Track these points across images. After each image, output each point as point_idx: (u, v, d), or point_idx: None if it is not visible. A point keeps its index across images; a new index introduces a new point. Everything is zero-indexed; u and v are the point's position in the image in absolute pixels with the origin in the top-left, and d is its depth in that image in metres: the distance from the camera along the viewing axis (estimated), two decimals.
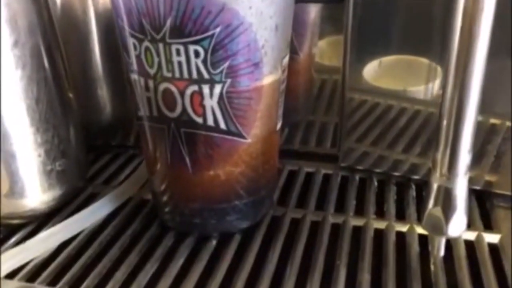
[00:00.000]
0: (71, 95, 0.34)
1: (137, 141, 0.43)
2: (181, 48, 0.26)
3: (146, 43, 0.26)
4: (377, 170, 0.37)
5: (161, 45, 0.26)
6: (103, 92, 0.43)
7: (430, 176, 0.25)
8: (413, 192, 0.36)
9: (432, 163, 0.25)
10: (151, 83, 0.27)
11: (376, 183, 0.37)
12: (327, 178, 0.38)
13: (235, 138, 0.28)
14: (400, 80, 0.35)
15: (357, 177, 0.38)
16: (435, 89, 0.34)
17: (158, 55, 0.26)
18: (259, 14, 0.26)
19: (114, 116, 0.44)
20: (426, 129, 0.35)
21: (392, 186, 0.36)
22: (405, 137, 0.36)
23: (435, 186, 0.25)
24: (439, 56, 0.32)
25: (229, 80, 0.27)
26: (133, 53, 0.27)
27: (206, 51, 0.26)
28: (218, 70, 0.26)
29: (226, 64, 0.26)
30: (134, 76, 0.28)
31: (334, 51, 0.39)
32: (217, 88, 0.27)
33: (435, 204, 0.25)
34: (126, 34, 0.27)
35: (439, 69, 0.33)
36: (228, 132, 0.28)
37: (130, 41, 0.27)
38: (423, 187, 0.36)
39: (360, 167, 0.38)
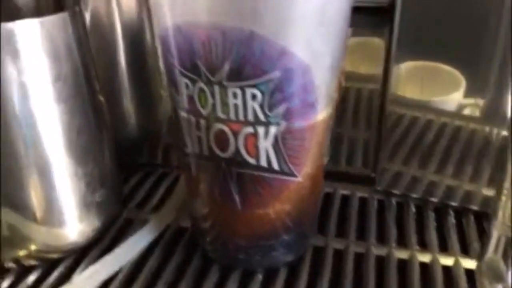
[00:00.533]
0: (107, 121, 0.33)
1: (165, 160, 0.42)
2: (238, 91, 0.25)
3: (201, 85, 0.25)
4: (414, 195, 0.37)
5: (216, 88, 0.25)
6: (129, 106, 0.42)
7: (491, 223, 0.25)
8: (452, 219, 0.35)
9: (493, 210, 0.25)
10: (203, 123, 0.27)
11: (413, 209, 0.37)
12: (363, 201, 0.38)
13: (286, 177, 0.28)
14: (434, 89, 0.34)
15: (393, 201, 0.37)
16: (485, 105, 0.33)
17: (213, 97, 0.25)
18: (316, 55, 0.25)
19: (141, 131, 0.43)
20: (471, 150, 0.34)
21: (430, 212, 0.36)
22: (448, 157, 0.35)
23: (495, 234, 0.25)
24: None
25: (284, 122, 0.26)
26: (184, 92, 0.27)
27: (263, 94, 0.25)
28: (274, 112, 0.25)
29: (282, 106, 0.25)
30: (183, 114, 0.27)
31: (362, 55, 0.38)
32: (272, 130, 0.26)
33: (495, 252, 0.25)
34: (177, 72, 0.26)
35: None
36: (280, 172, 0.27)
37: (182, 80, 0.26)
38: (462, 214, 0.36)
39: (397, 192, 0.37)
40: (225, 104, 0.25)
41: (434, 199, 0.36)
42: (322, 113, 0.27)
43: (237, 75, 0.24)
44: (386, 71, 0.35)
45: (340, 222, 0.36)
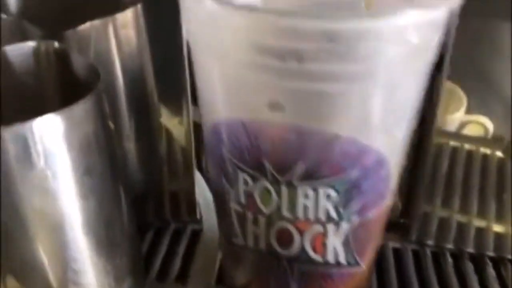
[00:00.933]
0: (131, 204, 0.29)
1: (175, 214, 0.38)
2: (310, 191, 0.22)
3: (265, 183, 0.22)
4: (449, 246, 0.36)
5: (284, 187, 0.22)
6: (130, 145, 0.37)
7: None
8: (491, 270, 0.34)
9: None
10: (262, 220, 0.23)
11: (450, 259, 0.35)
12: (396, 251, 0.36)
13: (351, 268, 0.25)
14: None
15: (428, 252, 0.36)
16: None
17: (279, 196, 0.22)
18: (394, 145, 0.22)
19: (147, 186, 0.38)
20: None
21: (468, 263, 0.35)
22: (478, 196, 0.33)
23: None
24: None
25: (357, 217, 0.23)
26: (241, 188, 0.23)
27: (338, 193, 0.22)
28: (348, 209, 0.23)
29: (357, 203, 0.23)
30: (237, 208, 0.24)
31: None
32: (344, 227, 0.23)
33: None
34: (233, 166, 0.23)
35: None
36: (346, 265, 0.25)
37: (239, 176, 0.23)
38: (499, 262, 0.35)
39: (430, 242, 0.36)
40: (293, 204, 0.22)
41: (470, 249, 0.35)
42: (389, 200, 0.25)
43: (311, 175, 0.21)
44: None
45: (380, 281, 0.34)
